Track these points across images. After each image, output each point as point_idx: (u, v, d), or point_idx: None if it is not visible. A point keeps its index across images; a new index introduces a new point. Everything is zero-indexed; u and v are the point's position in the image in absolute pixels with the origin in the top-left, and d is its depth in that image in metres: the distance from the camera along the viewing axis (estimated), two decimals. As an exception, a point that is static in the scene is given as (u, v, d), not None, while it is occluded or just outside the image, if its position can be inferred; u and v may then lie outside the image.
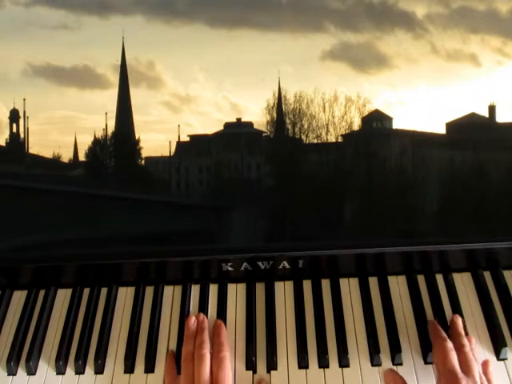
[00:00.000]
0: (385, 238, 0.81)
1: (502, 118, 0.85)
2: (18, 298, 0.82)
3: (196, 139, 0.87)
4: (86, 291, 0.81)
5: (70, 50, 0.85)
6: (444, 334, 0.69)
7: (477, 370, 0.64)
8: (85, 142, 0.85)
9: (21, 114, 0.85)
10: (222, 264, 0.78)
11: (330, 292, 0.79)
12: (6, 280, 0.82)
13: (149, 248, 0.82)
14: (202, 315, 0.76)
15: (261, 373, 0.70)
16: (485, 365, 0.68)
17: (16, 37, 0.86)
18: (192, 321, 0.75)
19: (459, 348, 0.67)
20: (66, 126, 0.86)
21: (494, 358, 0.70)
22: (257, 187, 0.86)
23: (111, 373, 0.72)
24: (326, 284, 0.80)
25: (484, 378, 0.64)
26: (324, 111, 0.85)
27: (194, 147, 0.88)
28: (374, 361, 0.70)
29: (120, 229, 0.85)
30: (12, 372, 0.72)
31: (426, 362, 0.70)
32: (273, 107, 0.85)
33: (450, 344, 0.67)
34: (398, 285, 0.80)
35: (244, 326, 0.75)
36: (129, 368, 0.72)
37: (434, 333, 0.71)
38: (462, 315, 0.74)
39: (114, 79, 0.86)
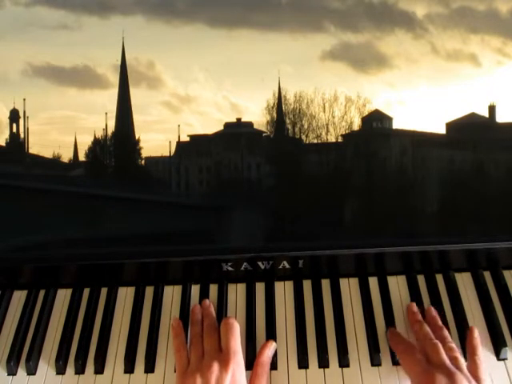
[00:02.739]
0: (385, 237, 0.81)
1: (502, 118, 0.85)
2: (18, 298, 0.82)
3: (196, 139, 0.87)
4: (86, 291, 0.81)
5: (70, 50, 0.85)
6: (400, 338, 0.70)
7: (444, 354, 0.63)
8: (85, 142, 0.85)
9: (21, 114, 0.85)
10: (222, 264, 0.78)
11: (330, 292, 0.79)
12: (6, 280, 0.82)
13: (149, 248, 0.82)
14: (207, 301, 0.77)
15: (261, 373, 0.70)
16: (469, 333, 0.69)
17: (16, 37, 0.86)
18: (198, 308, 0.76)
19: (423, 339, 0.67)
20: (65, 126, 0.86)
21: (494, 358, 0.70)
22: (257, 187, 0.86)
23: (111, 373, 0.72)
24: (326, 284, 0.80)
25: (457, 356, 0.64)
26: (324, 111, 0.85)
27: (194, 147, 0.88)
28: (374, 361, 0.70)
29: (120, 229, 0.85)
30: (12, 372, 0.72)
31: (426, 362, 0.70)
32: (273, 107, 0.85)
33: (404, 344, 0.68)
34: (397, 285, 0.80)
35: (244, 325, 0.75)
36: (129, 368, 0.72)
37: (393, 342, 0.71)
38: (462, 315, 0.75)
39: (114, 79, 0.86)
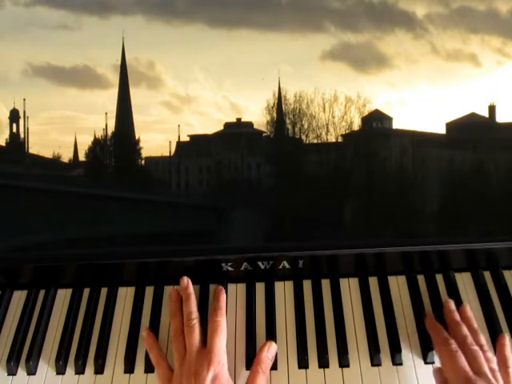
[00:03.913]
0: (385, 237, 0.81)
1: (502, 117, 0.85)
2: (18, 298, 0.82)
3: (196, 139, 0.87)
4: (86, 291, 0.81)
5: (70, 50, 0.85)
6: (446, 334, 0.67)
7: (485, 364, 0.62)
8: (85, 142, 0.85)
9: (21, 114, 0.85)
10: (221, 264, 0.78)
11: (330, 292, 0.79)
12: (6, 280, 0.82)
13: (149, 248, 0.82)
14: (185, 279, 0.75)
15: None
16: (499, 343, 0.66)
17: (16, 37, 0.86)
18: (175, 294, 0.75)
19: (462, 342, 0.65)
20: (65, 126, 0.86)
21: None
22: (257, 187, 0.86)
23: (111, 373, 0.72)
24: (326, 284, 0.80)
25: (494, 368, 0.62)
26: (324, 111, 0.85)
27: (194, 147, 0.88)
28: (374, 361, 0.70)
29: (120, 229, 0.85)
30: (12, 372, 0.72)
31: (425, 362, 0.70)
32: (273, 107, 0.85)
33: (453, 345, 0.64)
34: (397, 285, 0.80)
35: (244, 325, 0.75)
36: (129, 368, 0.72)
37: (434, 333, 0.69)
38: (462, 315, 0.74)
39: (114, 79, 0.86)
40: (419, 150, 0.86)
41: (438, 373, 0.65)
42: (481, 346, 0.64)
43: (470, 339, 0.65)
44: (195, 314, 0.72)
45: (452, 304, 0.73)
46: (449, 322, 0.70)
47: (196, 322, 0.71)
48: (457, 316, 0.70)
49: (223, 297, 0.75)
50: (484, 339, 0.66)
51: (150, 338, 0.72)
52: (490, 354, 0.64)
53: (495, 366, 0.63)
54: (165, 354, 0.71)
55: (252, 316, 0.76)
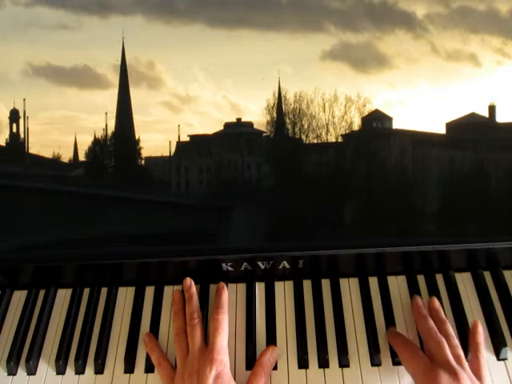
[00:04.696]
0: (385, 237, 0.81)
1: (501, 117, 0.85)
2: (18, 298, 0.82)
3: (196, 139, 0.87)
4: (86, 291, 0.81)
5: (70, 50, 0.85)
6: (402, 337, 0.70)
7: (449, 352, 0.63)
8: (85, 142, 0.85)
9: (21, 114, 0.85)
10: (221, 264, 0.78)
11: (330, 292, 0.79)
12: (6, 280, 0.82)
13: (149, 248, 0.82)
14: (188, 280, 0.77)
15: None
16: (472, 330, 0.68)
17: (16, 37, 0.86)
18: (178, 295, 0.76)
19: (427, 334, 0.67)
20: (65, 126, 0.86)
21: (494, 358, 0.70)
22: (257, 187, 0.86)
23: (111, 373, 0.72)
24: (326, 284, 0.80)
25: (460, 354, 0.63)
26: (324, 111, 0.85)
27: (194, 147, 0.88)
28: (374, 361, 0.70)
29: (120, 229, 0.85)
30: (12, 372, 0.72)
31: (425, 362, 0.70)
32: (273, 107, 0.85)
33: (411, 343, 0.67)
34: (397, 285, 0.80)
35: (244, 325, 0.75)
36: (129, 368, 0.72)
37: (392, 341, 0.70)
38: (462, 315, 0.75)
39: (114, 79, 0.86)
40: (419, 149, 0.86)
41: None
42: (447, 335, 0.66)
43: (434, 330, 0.66)
44: (197, 313, 0.72)
45: (419, 299, 0.74)
46: (416, 317, 0.72)
47: (198, 322, 0.71)
48: (423, 310, 0.72)
49: (225, 294, 0.75)
50: (451, 328, 0.68)
51: (152, 341, 0.73)
52: (456, 342, 0.65)
53: (461, 352, 0.64)
54: (166, 354, 0.71)
55: (252, 316, 0.76)
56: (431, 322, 0.68)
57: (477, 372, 0.62)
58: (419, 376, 0.62)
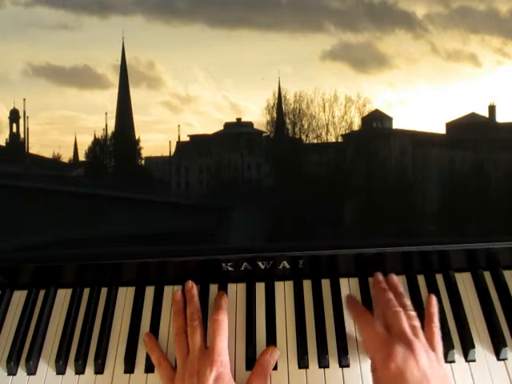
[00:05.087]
0: (385, 237, 0.81)
1: (501, 117, 0.85)
2: (18, 298, 0.82)
3: (196, 139, 0.87)
4: (86, 291, 0.81)
5: (70, 50, 0.85)
6: (361, 307, 0.72)
7: (405, 322, 0.65)
8: (85, 142, 0.85)
9: (21, 114, 0.85)
10: (222, 264, 0.78)
11: (330, 292, 0.79)
12: (6, 280, 0.82)
13: (149, 248, 0.82)
14: (190, 283, 0.77)
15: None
16: (427, 302, 0.70)
17: (16, 37, 0.86)
18: (178, 295, 0.76)
19: (385, 305, 0.69)
20: (65, 126, 0.86)
21: (494, 358, 0.70)
22: (257, 187, 0.86)
23: (111, 373, 0.72)
24: (326, 284, 0.80)
25: (415, 324, 0.66)
26: (324, 111, 0.85)
27: (194, 147, 0.88)
28: (374, 361, 0.70)
29: (120, 229, 0.85)
30: (12, 372, 0.72)
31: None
32: (273, 107, 0.85)
33: (369, 314, 0.69)
34: (398, 285, 0.80)
35: (244, 325, 0.75)
36: (129, 368, 0.72)
37: (352, 309, 0.73)
38: (462, 315, 0.75)
39: (114, 79, 0.86)
40: (419, 149, 0.86)
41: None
42: (404, 307, 0.68)
43: (392, 302, 0.69)
44: (198, 314, 0.73)
45: (380, 275, 0.77)
46: (376, 290, 0.74)
47: (199, 323, 0.71)
48: (383, 284, 0.74)
49: (225, 297, 0.76)
50: (409, 301, 0.70)
51: (152, 341, 0.73)
52: (413, 313, 0.67)
53: (417, 323, 0.66)
54: (166, 354, 0.71)
55: (252, 316, 0.76)
56: (390, 295, 0.71)
57: (431, 341, 0.65)
58: (374, 348, 0.64)
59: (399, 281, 0.76)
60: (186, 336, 0.70)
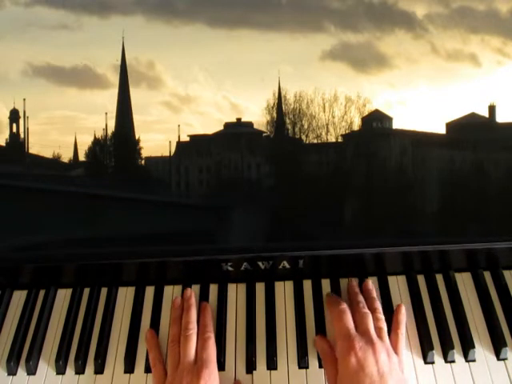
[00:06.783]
0: (385, 237, 0.81)
1: (501, 117, 0.85)
2: (18, 298, 0.82)
3: (196, 139, 0.87)
4: (86, 291, 0.81)
5: (70, 50, 0.85)
6: (337, 298, 0.74)
7: (371, 324, 0.68)
8: (85, 142, 0.85)
9: (21, 114, 0.85)
10: (221, 264, 0.78)
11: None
12: (6, 280, 0.82)
13: (149, 248, 0.82)
14: (189, 291, 0.78)
15: (261, 373, 0.70)
16: (395, 310, 0.73)
17: (16, 37, 0.86)
18: (178, 301, 0.76)
19: (356, 307, 0.71)
20: (65, 126, 0.86)
21: (494, 358, 0.70)
22: (257, 187, 0.86)
23: (111, 373, 0.72)
24: (326, 284, 0.80)
25: (382, 327, 0.68)
26: (324, 111, 0.85)
27: (194, 147, 0.88)
28: (374, 361, 0.70)
29: (120, 229, 0.85)
30: (12, 372, 0.72)
31: (425, 362, 0.70)
32: (273, 107, 0.85)
33: (343, 305, 0.71)
34: (397, 285, 0.80)
35: (244, 325, 0.75)
36: (129, 368, 0.72)
37: (328, 302, 0.75)
38: (462, 315, 0.75)
39: (114, 79, 0.86)
40: (419, 149, 0.86)
41: (320, 340, 0.71)
42: (374, 310, 0.71)
43: (362, 304, 0.72)
44: (193, 324, 0.72)
45: (354, 281, 0.79)
46: (349, 293, 0.77)
47: (193, 333, 0.71)
48: (356, 289, 0.77)
49: (209, 313, 0.75)
50: (380, 305, 0.73)
51: (153, 340, 0.73)
52: (381, 316, 0.71)
53: (383, 325, 0.69)
54: (163, 357, 0.71)
55: (252, 316, 0.76)
56: (361, 298, 0.74)
57: (395, 346, 0.67)
58: (339, 341, 0.66)
59: (373, 287, 0.77)
60: (179, 345, 0.70)
